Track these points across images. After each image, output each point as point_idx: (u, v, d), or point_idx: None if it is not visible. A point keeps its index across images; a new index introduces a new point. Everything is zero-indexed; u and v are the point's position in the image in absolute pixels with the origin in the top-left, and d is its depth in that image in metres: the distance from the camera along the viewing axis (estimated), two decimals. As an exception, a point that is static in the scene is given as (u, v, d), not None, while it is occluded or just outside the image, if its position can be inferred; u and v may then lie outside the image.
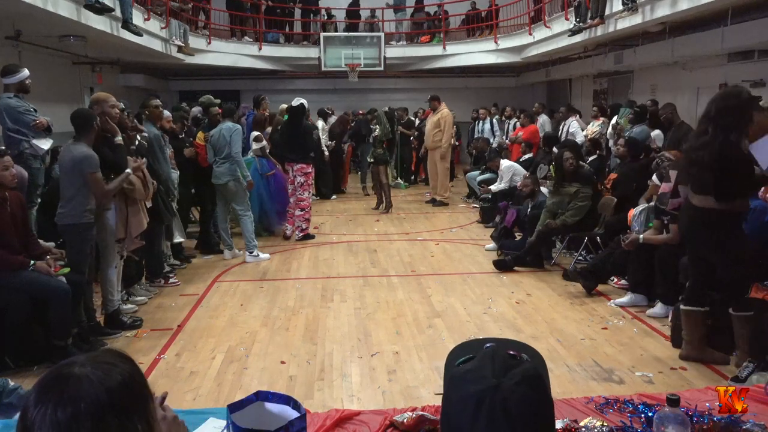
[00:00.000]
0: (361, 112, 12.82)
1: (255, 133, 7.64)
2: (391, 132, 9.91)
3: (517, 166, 8.62)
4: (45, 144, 5.14)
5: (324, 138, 11.21)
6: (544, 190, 6.77)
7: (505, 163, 8.73)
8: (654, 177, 5.02)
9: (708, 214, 3.51)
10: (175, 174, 6.09)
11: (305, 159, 7.56)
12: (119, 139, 4.52)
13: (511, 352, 1.12)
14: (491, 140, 11.57)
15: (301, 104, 7.49)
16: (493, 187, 8.55)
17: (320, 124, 11.43)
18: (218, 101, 7.65)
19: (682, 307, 3.84)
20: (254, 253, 6.73)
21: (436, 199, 10.37)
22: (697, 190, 3.57)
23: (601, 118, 9.34)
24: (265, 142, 7.62)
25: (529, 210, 6.73)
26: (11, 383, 2.81)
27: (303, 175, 7.58)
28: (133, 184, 4.59)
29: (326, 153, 10.99)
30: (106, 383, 0.93)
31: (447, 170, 10.52)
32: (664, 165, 5.03)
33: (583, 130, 9.63)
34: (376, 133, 9.90)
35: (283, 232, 7.84)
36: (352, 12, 15.90)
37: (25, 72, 5.16)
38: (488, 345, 1.14)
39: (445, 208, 10.14)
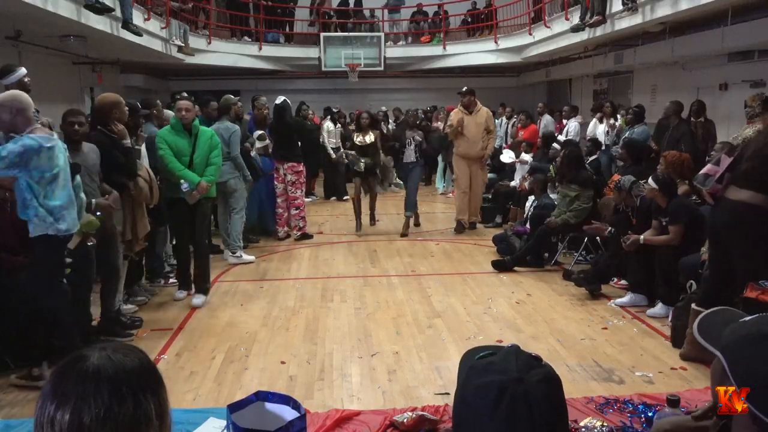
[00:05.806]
0: (358, 111, 12.80)
1: (259, 132, 7.61)
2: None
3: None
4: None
5: (333, 141, 11.20)
6: (553, 196, 6.73)
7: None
8: (650, 180, 4.97)
9: (753, 209, 3.41)
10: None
11: (295, 157, 7.50)
12: (128, 141, 4.52)
13: (533, 354, 1.15)
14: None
15: (284, 101, 7.51)
16: (504, 158, 9.01)
17: (328, 125, 11.39)
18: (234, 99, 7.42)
19: (693, 306, 3.79)
20: (237, 254, 6.61)
21: (465, 224, 8.15)
22: (754, 187, 3.44)
23: (611, 120, 9.01)
24: (268, 141, 7.59)
25: (532, 210, 6.71)
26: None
27: (294, 173, 7.50)
28: (141, 188, 4.59)
29: (332, 155, 10.94)
30: (124, 362, 1.02)
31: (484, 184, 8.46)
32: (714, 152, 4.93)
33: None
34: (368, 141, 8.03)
35: (275, 234, 7.78)
36: (343, 12, 15.89)
37: (23, 70, 5.03)
38: (510, 345, 1.18)
39: (445, 207, 10.12)
